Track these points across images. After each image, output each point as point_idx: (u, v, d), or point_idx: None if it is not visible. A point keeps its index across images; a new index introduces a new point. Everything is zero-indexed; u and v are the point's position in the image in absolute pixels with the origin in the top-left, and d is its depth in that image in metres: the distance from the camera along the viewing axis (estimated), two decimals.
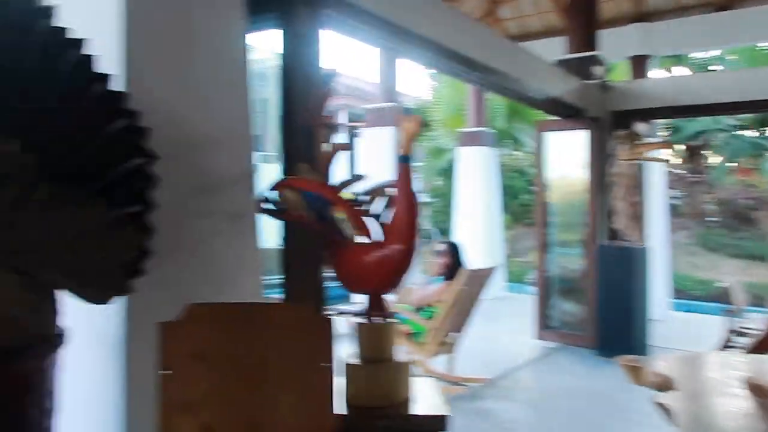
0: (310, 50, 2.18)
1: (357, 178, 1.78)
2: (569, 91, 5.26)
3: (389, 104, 7.60)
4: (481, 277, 4.47)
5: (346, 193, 1.73)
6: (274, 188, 1.81)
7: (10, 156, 1.34)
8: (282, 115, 2.18)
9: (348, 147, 1.98)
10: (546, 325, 5.91)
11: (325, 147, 1.95)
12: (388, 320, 1.81)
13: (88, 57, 1.46)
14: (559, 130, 5.87)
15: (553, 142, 5.97)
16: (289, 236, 2.16)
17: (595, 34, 5.84)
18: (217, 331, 1.38)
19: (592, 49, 5.78)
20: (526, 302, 6.45)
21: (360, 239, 1.72)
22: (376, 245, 1.70)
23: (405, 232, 1.64)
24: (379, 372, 1.67)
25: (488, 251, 8.11)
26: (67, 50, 1.43)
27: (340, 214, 1.69)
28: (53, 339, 1.34)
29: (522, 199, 12.79)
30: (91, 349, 1.66)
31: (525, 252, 11.21)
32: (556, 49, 6.12)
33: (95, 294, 1.30)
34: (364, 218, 1.72)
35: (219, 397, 1.35)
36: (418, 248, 1.67)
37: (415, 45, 2.98)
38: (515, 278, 9.65)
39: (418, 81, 20.48)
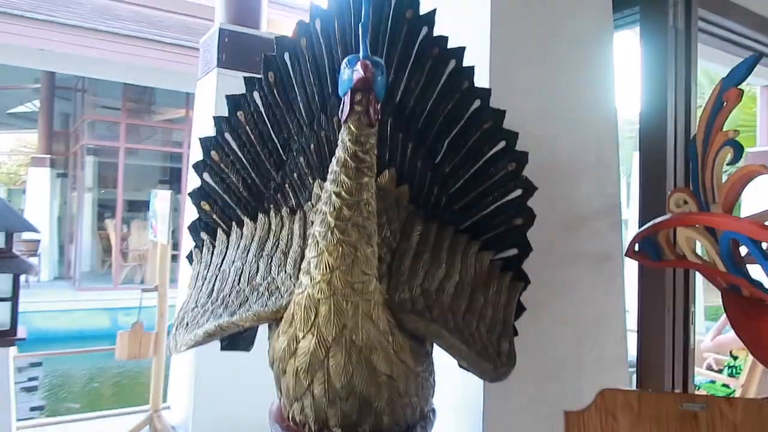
0: (681, 52, 1.71)
1: None
2: None
3: None
4: None
5: None
6: (662, 225, 1.38)
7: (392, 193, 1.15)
8: (641, 132, 1.75)
9: (766, 170, 1.46)
10: None
11: (721, 171, 1.48)
12: None
13: (467, 69, 1.21)
14: None
15: None
16: (648, 287, 1.70)
17: None
18: (643, 429, 0.99)
19: None
20: None
21: None
22: None
23: None
24: None
25: None
26: (446, 60, 1.20)
27: None
28: (433, 414, 1.08)
29: None
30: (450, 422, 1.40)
31: None
32: None
33: (494, 367, 1.00)
34: None
35: None
36: None
37: None
38: None
39: None
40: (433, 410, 1.11)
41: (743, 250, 1.33)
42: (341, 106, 0.94)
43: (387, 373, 0.90)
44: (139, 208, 12.04)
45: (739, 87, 1.45)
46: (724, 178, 1.49)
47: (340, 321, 0.86)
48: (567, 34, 1.52)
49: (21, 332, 2.61)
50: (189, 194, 1.23)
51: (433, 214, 1.18)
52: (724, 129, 1.48)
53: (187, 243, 3.15)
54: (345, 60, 0.93)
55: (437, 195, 1.19)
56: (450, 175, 1.19)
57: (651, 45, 1.73)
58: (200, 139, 1.22)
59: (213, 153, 1.21)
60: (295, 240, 1.09)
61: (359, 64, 0.88)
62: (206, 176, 1.22)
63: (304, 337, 0.87)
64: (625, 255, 1.46)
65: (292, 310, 0.91)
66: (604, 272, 1.54)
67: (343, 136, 0.91)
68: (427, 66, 1.18)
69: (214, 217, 1.22)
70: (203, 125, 3.11)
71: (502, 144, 1.20)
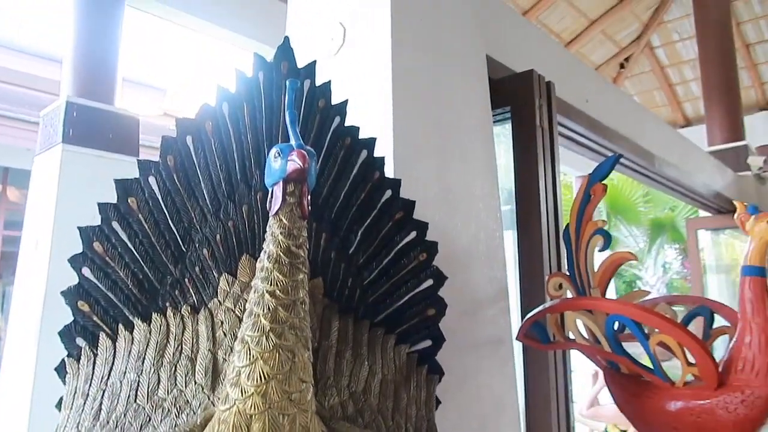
0: (547, 147, 1.90)
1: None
2: (726, 184, 4.78)
3: None
4: None
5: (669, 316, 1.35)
6: (553, 309, 1.46)
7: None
8: (518, 221, 1.87)
9: (634, 257, 1.63)
10: None
11: (593, 257, 1.63)
12: None
13: (378, 159, 1.21)
14: (713, 228, 5.31)
15: (705, 240, 5.39)
16: (533, 370, 1.77)
17: (740, 121, 5.42)
18: None
19: (739, 139, 5.34)
20: None
21: (690, 378, 1.31)
22: (713, 388, 1.28)
23: (766, 371, 1.22)
24: None
25: None
26: (358, 150, 1.19)
27: (664, 344, 1.30)
28: None
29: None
30: None
31: None
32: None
33: None
34: None
35: None
36: None
37: (620, 146, 2.69)
38: None
39: None
40: None
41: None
42: (270, 197, 0.87)
43: None
44: None
45: (603, 182, 1.63)
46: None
47: None
48: (456, 127, 1.61)
49: None
50: (62, 293, 1.04)
51: (348, 307, 1.12)
52: (593, 219, 1.65)
53: (15, 336, 2.69)
54: (275, 149, 0.87)
55: (351, 287, 1.14)
56: (364, 266, 1.15)
57: (521, 140, 1.90)
58: (81, 228, 1.05)
59: (96, 245, 1.05)
60: (202, 343, 0.96)
61: (295, 153, 0.83)
62: (86, 271, 1.04)
63: None
64: (517, 339, 1.52)
65: (216, 429, 0.78)
66: (498, 357, 1.57)
67: (274, 229, 0.84)
68: (339, 155, 1.16)
69: (95, 318, 1.03)
70: (43, 205, 2.75)
71: (413, 234, 1.20)
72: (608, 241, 1.57)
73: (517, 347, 1.77)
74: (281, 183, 0.84)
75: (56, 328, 2.51)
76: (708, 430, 1.28)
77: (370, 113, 1.45)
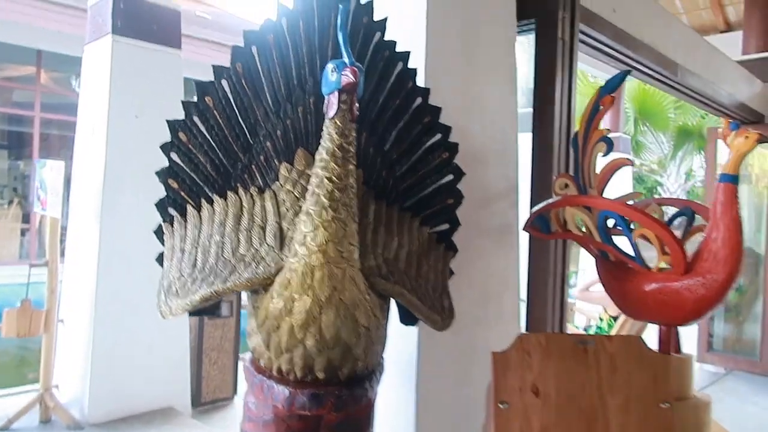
0: (566, 58, 2.05)
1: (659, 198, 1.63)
2: (752, 95, 4.80)
3: None
4: None
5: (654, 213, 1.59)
6: (555, 205, 1.71)
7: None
8: (534, 127, 2.07)
9: (630, 162, 1.84)
10: (710, 346, 5.45)
11: (595, 162, 1.84)
12: (685, 354, 1.66)
13: (411, 70, 1.42)
14: None
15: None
16: (536, 255, 2.05)
17: None
18: (550, 364, 1.29)
19: None
20: None
21: (664, 265, 1.57)
22: (680, 273, 1.54)
23: (728, 261, 1.47)
24: (686, 413, 1.52)
25: None
26: (395, 62, 1.39)
27: (645, 237, 1.55)
28: (383, 366, 1.30)
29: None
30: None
31: None
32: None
33: (441, 319, 1.24)
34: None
35: None
36: (736, 282, 1.49)
37: (643, 56, 2.79)
38: None
39: None
40: (383, 358, 1.33)
41: (611, 224, 1.70)
42: (326, 103, 1.10)
43: (366, 325, 1.09)
44: None
45: (612, 95, 1.80)
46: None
47: (331, 284, 1.04)
48: (482, 39, 1.78)
49: None
50: (156, 173, 1.31)
51: (382, 194, 1.38)
52: (600, 128, 1.84)
53: (78, 216, 3.04)
54: (331, 64, 1.08)
55: (385, 177, 1.38)
56: (396, 161, 1.39)
57: (542, 52, 2.06)
58: (168, 121, 1.30)
59: (181, 134, 1.30)
60: (270, 216, 1.23)
61: (348, 69, 1.05)
62: (174, 156, 1.30)
63: (300, 298, 1.04)
64: (523, 229, 1.78)
65: (286, 275, 1.06)
66: (504, 243, 1.85)
67: (330, 129, 1.08)
68: (379, 66, 1.36)
69: (182, 194, 1.31)
70: (95, 91, 2.99)
71: (439, 136, 1.43)
72: (610, 147, 1.77)
73: (524, 237, 2.04)
74: (336, 93, 1.07)
75: (115, 206, 2.89)
76: (673, 307, 1.56)
77: (404, 27, 1.62)
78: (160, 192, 1.32)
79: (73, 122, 3.34)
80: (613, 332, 3.69)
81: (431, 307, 1.22)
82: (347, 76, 1.04)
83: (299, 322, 1.05)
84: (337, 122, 1.07)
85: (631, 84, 9.63)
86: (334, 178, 1.05)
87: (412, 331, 1.47)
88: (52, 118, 10.79)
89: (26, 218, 9.79)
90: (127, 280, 2.78)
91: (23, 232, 9.87)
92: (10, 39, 9.33)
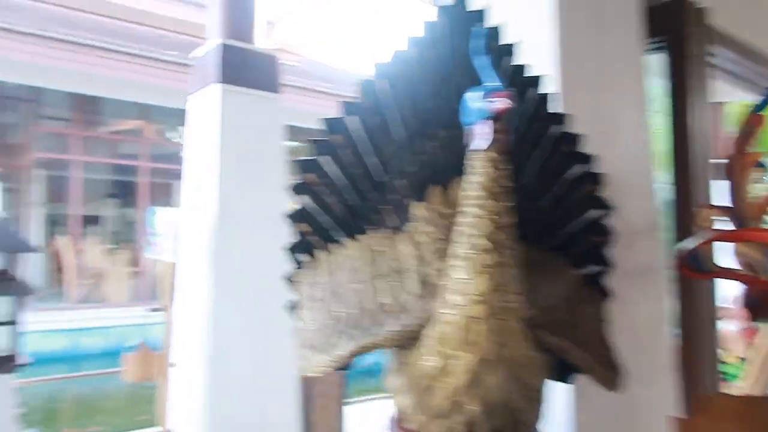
0: (699, 80, 1.86)
1: None
2: None
3: None
4: None
5: None
6: (711, 240, 1.50)
7: None
8: (673, 151, 1.88)
9: None
10: None
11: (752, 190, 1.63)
12: None
13: (546, 95, 1.30)
14: None
15: None
16: (684, 299, 1.81)
17: None
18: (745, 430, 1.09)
19: None
20: None
21: None
22: None
23: None
24: None
25: None
26: (527, 87, 1.28)
27: None
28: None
29: None
30: None
31: None
32: None
33: (614, 375, 1.07)
34: None
35: None
36: None
37: None
38: None
39: None
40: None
41: None
42: (471, 134, 0.99)
43: (536, 387, 0.95)
44: (89, 222, 11.56)
45: (760, 114, 1.60)
46: None
47: (498, 340, 0.90)
48: (613, 61, 1.63)
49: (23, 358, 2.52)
50: (289, 216, 1.25)
51: (524, 233, 1.24)
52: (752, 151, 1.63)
53: (185, 261, 3.09)
54: (478, 90, 0.98)
55: (527, 214, 1.25)
56: (538, 195, 1.26)
57: (673, 71, 1.88)
58: (298, 161, 1.24)
59: (311, 175, 1.23)
60: (408, 260, 1.13)
61: (500, 95, 0.94)
62: (305, 197, 1.24)
63: (461, 356, 0.91)
64: (677, 269, 1.58)
65: (440, 329, 0.94)
66: (651, 286, 1.65)
67: (482, 162, 0.96)
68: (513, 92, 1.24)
69: (314, 238, 1.24)
70: (201, 140, 3.07)
71: (582, 166, 1.29)
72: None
73: None
74: (488, 121, 0.96)
75: (227, 259, 2.85)
76: None
77: (534, 49, 1.51)
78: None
79: (172, 170, 3.46)
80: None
81: (602, 363, 1.05)
82: (501, 103, 0.93)
83: (462, 384, 0.92)
84: (494, 154, 0.95)
85: None
86: (493, 216, 0.93)
87: (563, 389, 1.31)
88: (155, 167, 11.52)
89: (134, 262, 10.41)
90: (239, 326, 2.76)
91: (133, 276, 10.46)
92: (116, 95, 10.10)
